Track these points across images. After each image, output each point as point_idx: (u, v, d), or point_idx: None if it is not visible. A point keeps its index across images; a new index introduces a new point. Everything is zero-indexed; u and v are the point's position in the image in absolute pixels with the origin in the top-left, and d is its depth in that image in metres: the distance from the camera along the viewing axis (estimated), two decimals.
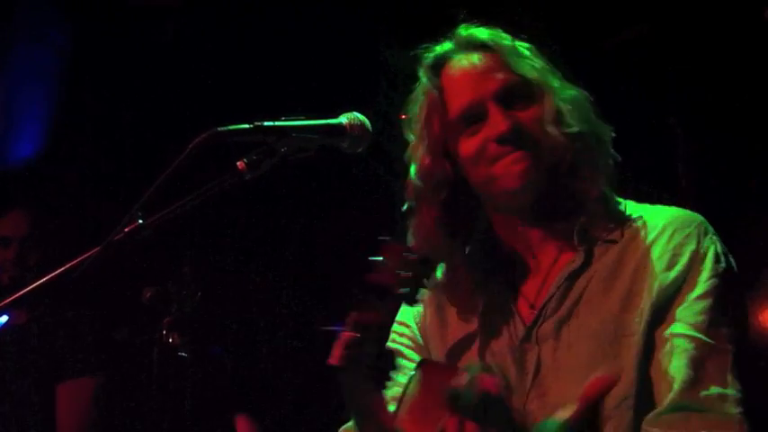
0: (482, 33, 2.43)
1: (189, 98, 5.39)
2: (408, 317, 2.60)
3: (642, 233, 2.34)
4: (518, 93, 2.36)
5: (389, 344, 2.62)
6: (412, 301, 2.36)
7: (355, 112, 2.31)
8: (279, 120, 2.21)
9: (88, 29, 5.47)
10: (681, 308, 2.25)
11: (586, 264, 2.35)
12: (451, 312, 2.53)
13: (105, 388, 4.43)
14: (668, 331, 2.24)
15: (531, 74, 2.36)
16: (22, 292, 2.14)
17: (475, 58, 2.39)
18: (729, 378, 2.20)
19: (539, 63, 2.40)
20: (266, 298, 5.53)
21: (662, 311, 2.25)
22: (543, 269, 2.42)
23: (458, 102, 2.39)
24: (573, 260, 2.36)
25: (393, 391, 2.50)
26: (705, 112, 4.41)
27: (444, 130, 2.43)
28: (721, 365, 2.21)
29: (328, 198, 5.28)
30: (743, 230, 4.21)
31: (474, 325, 2.46)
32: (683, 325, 2.23)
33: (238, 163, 2.15)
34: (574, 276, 2.34)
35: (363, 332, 2.15)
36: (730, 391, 2.19)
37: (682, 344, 2.22)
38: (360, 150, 2.33)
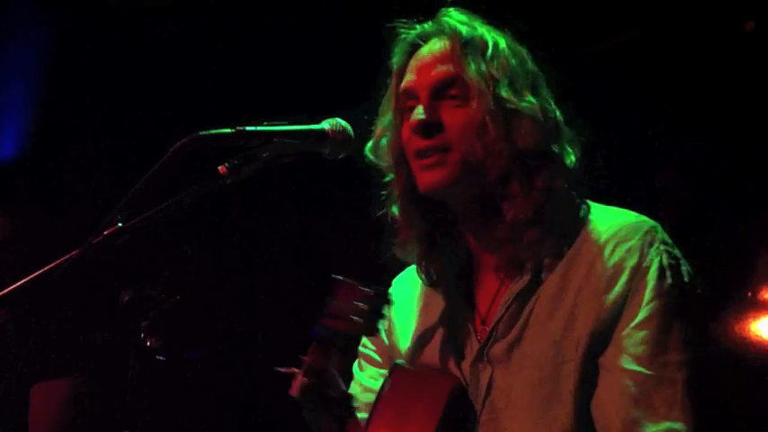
0: (452, 19, 2.35)
1: (171, 101, 5.37)
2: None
3: (587, 246, 2.24)
4: (453, 91, 2.28)
5: (360, 349, 2.62)
6: (373, 333, 2.28)
7: (338, 118, 2.31)
8: (261, 124, 2.20)
9: (70, 28, 5.44)
10: (622, 335, 2.13)
11: (534, 281, 2.27)
12: (417, 303, 2.51)
13: (79, 390, 4.42)
14: (609, 362, 2.13)
15: (474, 76, 2.26)
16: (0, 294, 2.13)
17: (436, 46, 2.34)
18: (677, 411, 2.08)
19: (494, 65, 2.27)
20: (246, 301, 5.51)
21: (602, 337, 2.15)
22: (494, 283, 2.35)
23: (403, 84, 2.36)
24: (521, 277, 2.28)
25: (366, 397, 2.51)
26: (690, 120, 4.43)
27: (399, 110, 2.39)
28: (669, 398, 2.09)
29: (311, 202, 5.27)
30: (727, 237, 4.23)
31: (435, 318, 2.43)
32: (624, 357, 2.12)
33: (220, 167, 2.15)
34: (522, 296, 2.27)
35: (316, 377, 2.13)
36: (678, 426, 2.08)
37: (622, 380, 2.11)
38: (341, 156, 2.33)
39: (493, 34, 2.34)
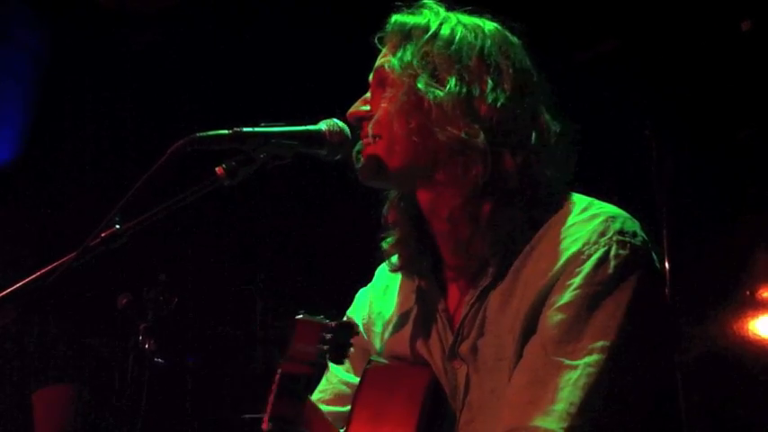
0: (401, 16, 2.32)
1: (168, 103, 5.38)
2: (357, 314, 2.56)
3: (545, 240, 2.17)
4: (381, 81, 2.29)
5: None
6: (340, 363, 2.23)
7: (335, 119, 2.30)
8: (258, 126, 2.19)
9: (63, 33, 5.44)
10: (541, 320, 2.05)
11: (498, 278, 2.21)
12: (396, 295, 2.48)
13: (82, 395, 4.42)
14: (528, 345, 2.07)
15: (392, 66, 2.25)
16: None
17: (388, 42, 2.34)
18: (567, 396, 1.96)
19: (417, 56, 2.23)
20: (244, 304, 5.50)
21: (531, 326, 2.08)
22: (463, 278, 2.31)
23: None
24: (485, 274, 2.23)
25: (340, 389, 2.51)
26: (678, 124, 4.44)
27: None
28: (560, 383, 1.97)
29: (310, 204, 5.27)
30: (717, 239, 4.24)
31: (413, 312, 2.40)
32: (535, 341, 2.05)
33: (217, 169, 2.14)
34: (485, 293, 2.22)
35: (282, 422, 2.07)
36: (558, 407, 1.96)
37: (525, 361, 2.04)
38: (338, 158, 2.32)
39: (451, 21, 2.29)
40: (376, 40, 2.38)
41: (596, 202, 2.23)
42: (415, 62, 2.23)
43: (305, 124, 2.27)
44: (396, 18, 2.33)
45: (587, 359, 1.98)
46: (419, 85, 2.21)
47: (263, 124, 2.19)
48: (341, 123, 2.29)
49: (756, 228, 4.29)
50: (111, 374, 4.51)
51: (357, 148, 2.31)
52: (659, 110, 4.46)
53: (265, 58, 5.20)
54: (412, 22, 2.30)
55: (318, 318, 2.17)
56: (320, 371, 2.13)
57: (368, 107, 2.31)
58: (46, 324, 4.41)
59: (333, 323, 2.16)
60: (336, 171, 2.42)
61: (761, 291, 4.29)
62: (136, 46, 5.55)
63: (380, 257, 2.48)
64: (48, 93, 5.51)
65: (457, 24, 2.28)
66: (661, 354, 2.10)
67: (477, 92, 2.20)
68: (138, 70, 5.52)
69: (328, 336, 2.13)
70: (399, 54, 2.26)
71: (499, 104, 2.19)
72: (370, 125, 2.27)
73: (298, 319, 2.15)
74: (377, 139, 2.27)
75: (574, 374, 1.98)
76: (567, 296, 2.04)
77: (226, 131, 2.15)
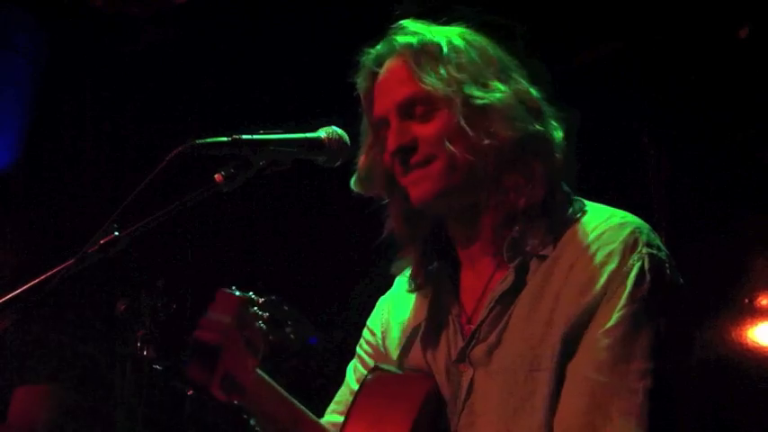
0: (401, 34, 2.33)
1: (167, 109, 5.37)
2: (376, 322, 2.58)
3: (571, 248, 2.19)
4: (419, 106, 2.26)
5: (357, 349, 2.61)
6: (283, 340, 2.20)
7: (334, 126, 2.30)
8: (257, 133, 2.19)
9: (61, 37, 5.44)
10: (589, 341, 2.07)
11: (519, 282, 2.23)
12: (411, 306, 2.49)
13: (60, 397, 4.47)
14: (574, 368, 2.08)
15: (436, 85, 2.23)
16: None
17: (392, 67, 2.32)
18: (633, 423, 2.00)
19: (453, 66, 2.24)
20: None
21: (574, 343, 2.09)
22: (481, 282, 2.32)
23: (372, 112, 2.37)
24: (505, 278, 2.24)
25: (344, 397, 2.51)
26: (676, 127, 4.44)
27: (376, 138, 2.40)
28: (626, 409, 2.01)
29: (309, 209, 5.27)
30: (715, 245, 4.23)
31: (423, 318, 2.41)
32: (587, 363, 2.06)
33: (216, 175, 2.14)
34: (505, 297, 2.23)
35: (199, 391, 2.02)
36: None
37: (581, 387, 2.05)
38: (337, 165, 2.33)
39: (446, 33, 2.32)
40: (374, 66, 2.36)
41: (606, 208, 2.27)
42: (456, 75, 2.23)
43: (304, 131, 2.27)
44: (398, 41, 2.31)
45: (643, 382, 2.02)
46: (475, 93, 2.21)
47: (262, 131, 2.20)
48: (339, 131, 2.30)
49: (754, 234, 4.29)
50: (106, 380, 4.53)
51: (406, 173, 2.27)
52: (657, 113, 4.46)
53: (265, 62, 5.19)
54: (420, 42, 2.28)
55: (242, 292, 2.13)
56: (252, 350, 2.09)
57: (411, 136, 2.26)
58: (43, 329, 4.44)
59: (260, 299, 2.14)
60: (338, 177, 2.43)
61: (760, 298, 4.29)
62: (134, 50, 5.55)
63: (382, 263, 2.49)
64: (46, 97, 5.52)
65: (455, 35, 2.31)
66: (685, 365, 2.16)
67: (522, 85, 2.26)
68: (136, 75, 5.52)
69: (261, 312, 2.11)
70: (432, 73, 2.24)
71: (534, 95, 2.26)
72: (419, 148, 2.24)
73: (217, 291, 2.11)
74: (432, 160, 2.24)
75: (634, 399, 2.01)
76: (614, 318, 2.06)
77: (225, 138, 2.16)
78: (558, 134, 2.26)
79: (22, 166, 5.47)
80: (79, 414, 4.69)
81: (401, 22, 2.37)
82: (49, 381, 4.54)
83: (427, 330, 2.38)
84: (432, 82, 2.24)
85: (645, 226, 2.19)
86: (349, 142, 2.32)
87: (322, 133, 2.27)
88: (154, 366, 2.36)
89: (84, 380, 4.65)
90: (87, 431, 4.53)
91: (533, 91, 2.28)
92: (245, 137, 2.16)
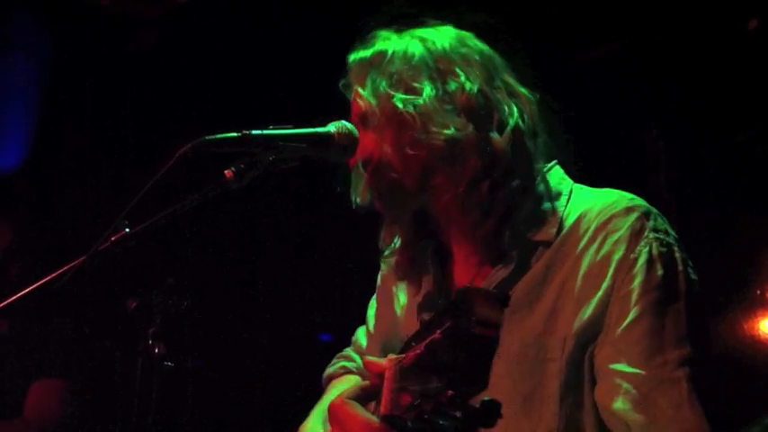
0: (361, 51, 2.33)
1: (175, 106, 5.37)
2: (388, 283, 2.56)
3: (576, 236, 2.15)
4: (367, 118, 2.27)
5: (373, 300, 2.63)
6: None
7: (343, 121, 2.29)
8: (266, 128, 2.19)
9: (66, 37, 5.44)
10: (616, 336, 2.04)
11: (521, 268, 2.19)
12: (401, 287, 2.48)
13: (74, 391, 4.54)
14: (606, 364, 2.05)
15: (369, 100, 2.24)
16: (4, 303, 2.12)
17: (352, 79, 2.34)
18: (687, 410, 1.98)
19: (385, 81, 2.24)
20: (252, 307, 5.51)
21: (591, 336, 2.07)
22: (473, 270, 2.29)
23: None
24: (504, 265, 2.21)
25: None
26: (685, 123, 4.43)
27: None
28: (674, 399, 1.99)
29: (316, 208, 5.26)
30: (725, 238, 4.23)
31: (419, 298, 2.39)
32: (621, 358, 2.02)
33: (226, 172, 2.14)
34: (504, 284, 2.19)
35: None
36: (691, 427, 1.99)
37: (622, 383, 2.02)
38: (347, 160, 2.32)
39: (405, 39, 2.31)
40: (341, 88, 2.37)
41: (607, 192, 2.23)
42: (383, 87, 2.23)
43: (313, 126, 2.27)
44: (352, 57, 2.33)
45: (683, 370, 2.01)
46: (398, 105, 2.20)
47: (271, 127, 2.19)
48: (350, 125, 2.29)
49: (764, 227, 4.28)
50: (118, 377, 4.55)
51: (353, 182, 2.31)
52: (664, 111, 4.45)
53: (270, 59, 5.19)
54: (369, 54, 2.30)
55: None
56: None
57: (364, 147, 2.28)
58: (54, 327, 4.48)
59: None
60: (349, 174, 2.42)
61: None
62: (140, 49, 5.55)
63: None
64: (52, 97, 5.52)
65: (411, 39, 2.29)
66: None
67: (452, 86, 2.21)
68: (142, 74, 5.53)
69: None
70: (368, 86, 2.25)
71: (476, 90, 2.21)
72: (364, 160, 2.27)
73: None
74: (367, 167, 2.26)
75: (678, 389, 2.00)
76: (634, 311, 2.03)
77: (234, 134, 2.16)
78: (511, 121, 2.21)
79: (29, 166, 5.48)
80: (92, 409, 4.74)
81: (377, 30, 2.36)
82: (65, 376, 4.61)
83: (412, 319, 2.37)
84: (367, 96, 2.25)
85: (652, 210, 2.16)
86: (359, 137, 2.31)
87: (332, 128, 2.27)
88: (164, 363, 2.37)
89: (98, 375, 4.70)
90: (100, 426, 4.55)
91: (471, 87, 2.22)
92: (254, 132, 2.17)
